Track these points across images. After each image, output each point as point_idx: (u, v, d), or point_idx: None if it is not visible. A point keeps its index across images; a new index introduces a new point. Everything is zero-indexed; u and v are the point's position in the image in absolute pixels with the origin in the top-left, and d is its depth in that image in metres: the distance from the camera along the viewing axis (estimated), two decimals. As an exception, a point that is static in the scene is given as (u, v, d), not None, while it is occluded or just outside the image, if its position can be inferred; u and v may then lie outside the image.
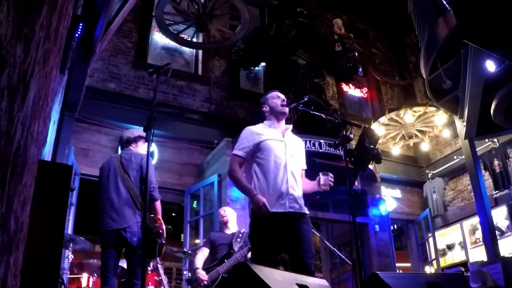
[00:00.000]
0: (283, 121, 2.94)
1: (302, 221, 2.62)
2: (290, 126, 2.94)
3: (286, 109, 2.89)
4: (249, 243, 4.25)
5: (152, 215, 3.43)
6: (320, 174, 2.74)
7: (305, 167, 2.94)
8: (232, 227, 4.56)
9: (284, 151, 2.76)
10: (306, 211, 2.69)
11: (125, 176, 3.46)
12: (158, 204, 3.50)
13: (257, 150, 2.74)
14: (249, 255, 4.18)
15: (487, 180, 8.03)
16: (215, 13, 7.68)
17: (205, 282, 4.14)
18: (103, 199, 3.45)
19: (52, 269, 1.79)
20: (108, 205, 3.39)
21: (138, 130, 3.77)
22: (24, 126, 0.86)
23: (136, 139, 3.74)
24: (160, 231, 3.39)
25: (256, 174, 2.69)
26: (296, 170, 2.77)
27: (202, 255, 4.45)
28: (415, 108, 8.07)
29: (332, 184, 2.72)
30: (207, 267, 4.30)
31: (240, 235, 4.40)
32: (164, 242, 3.42)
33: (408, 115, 8.10)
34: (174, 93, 7.71)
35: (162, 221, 3.47)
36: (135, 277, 3.24)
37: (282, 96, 2.97)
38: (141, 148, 3.76)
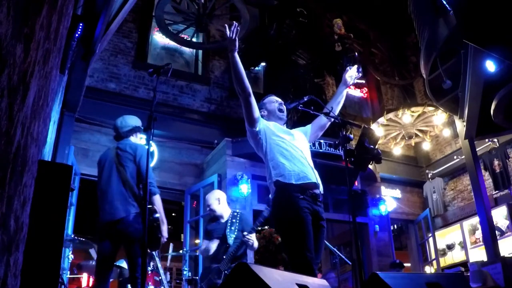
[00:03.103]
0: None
1: (321, 227, 2.69)
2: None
3: (284, 115, 2.98)
4: (246, 227, 4.14)
5: (150, 206, 3.28)
6: (348, 68, 3.06)
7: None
8: (225, 214, 4.31)
9: (293, 138, 2.86)
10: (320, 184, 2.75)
11: (120, 168, 3.36)
12: (157, 198, 3.36)
13: (272, 134, 2.81)
14: (249, 239, 4.06)
15: (487, 180, 8.03)
16: (215, 13, 7.68)
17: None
18: (99, 191, 3.37)
19: (52, 269, 1.79)
20: (103, 197, 3.30)
21: (133, 119, 3.66)
22: (24, 126, 0.86)
23: (135, 130, 3.61)
24: (155, 225, 3.25)
25: (277, 155, 2.74)
26: (307, 151, 2.88)
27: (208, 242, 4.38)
28: (413, 109, 8.07)
29: (357, 73, 3.04)
30: (210, 265, 4.26)
31: (234, 220, 4.18)
32: (163, 236, 3.31)
33: (407, 116, 8.11)
34: (174, 93, 7.71)
35: (162, 214, 3.33)
36: (137, 271, 3.13)
37: (279, 100, 3.05)
38: (139, 138, 3.63)
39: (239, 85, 2.73)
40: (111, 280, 3.42)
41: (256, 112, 2.79)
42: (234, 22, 2.67)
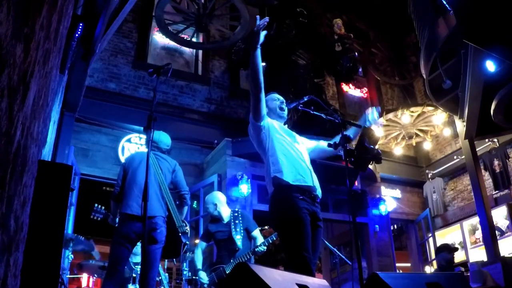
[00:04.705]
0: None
1: (318, 227, 2.70)
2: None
3: (284, 114, 2.99)
4: (249, 225, 4.29)
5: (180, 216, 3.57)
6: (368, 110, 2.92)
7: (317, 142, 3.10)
8: (225, 215, 4.38)
9: (294, 140, 2.88)
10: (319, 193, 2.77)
11: (158, 171, 3.52)
12: (185, 210, 3.69)
13: (276, 132, 2.83)
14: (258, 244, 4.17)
15: (487, 180, 8.02)
16: (215, 13, 7.67)
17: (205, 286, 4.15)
18: (131, 183, 3.37)
19: (52, 269, 1.79)
20: (137, 190, 3.29)
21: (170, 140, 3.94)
22: (24, 126, 0.86)
23: (169, 150, 3.91)
24: (187, 231, 3.53)
25: (278, 152, 2.76)
26: (307, 155, 2.90)
27: (200, 250, 4.43)
28: (412, 109, 8.06)
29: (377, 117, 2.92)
30: (213, 265, 4.27)
31: (237, 221, 4.27)
32: (188, 242, 3.57)
33: (406, 116, 8.11)
34: (174, 93, 7.71)
35: (187, 223, 3.65)
36: (154, 274, 3.20)
37: (281, 98, 3.05)
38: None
39: (254, 80, 2.76)
40: None
41: (264, 108, 2.81)
42: (266, 17, 2.72)
